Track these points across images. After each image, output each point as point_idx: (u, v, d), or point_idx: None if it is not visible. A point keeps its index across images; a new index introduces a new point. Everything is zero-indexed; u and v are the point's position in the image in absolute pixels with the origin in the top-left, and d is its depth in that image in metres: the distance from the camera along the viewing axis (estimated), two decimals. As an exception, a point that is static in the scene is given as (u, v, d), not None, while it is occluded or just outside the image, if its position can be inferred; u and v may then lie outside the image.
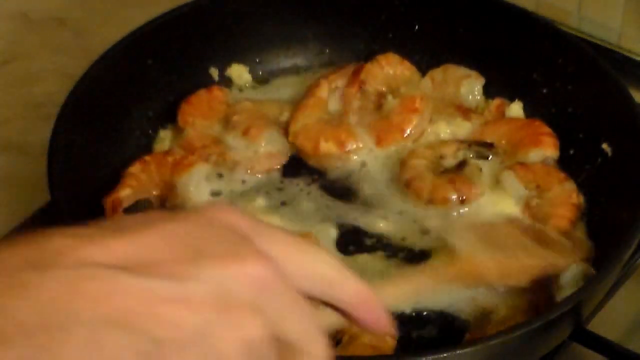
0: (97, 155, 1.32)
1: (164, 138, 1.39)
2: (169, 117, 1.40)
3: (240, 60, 1.47)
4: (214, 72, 1.46)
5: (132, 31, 1.38)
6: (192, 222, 0.71)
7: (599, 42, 1.57)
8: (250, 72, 1.48)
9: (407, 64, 1.45)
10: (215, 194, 1.31)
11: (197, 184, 1.30)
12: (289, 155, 1.37)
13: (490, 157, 1.31)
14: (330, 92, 1.41)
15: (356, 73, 1.43)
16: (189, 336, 0.66)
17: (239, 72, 1.48)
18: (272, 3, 1.47)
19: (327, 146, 1.35)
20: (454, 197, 1.28)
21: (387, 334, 0.85)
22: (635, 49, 1.56)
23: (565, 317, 1.11)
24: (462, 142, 1.34)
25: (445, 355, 1.04)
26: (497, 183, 1.31)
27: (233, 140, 1.35)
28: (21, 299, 0.64)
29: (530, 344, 1.11)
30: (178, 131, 1.38)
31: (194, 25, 1.43)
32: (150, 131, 1.39)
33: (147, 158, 1.32)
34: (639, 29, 1.55)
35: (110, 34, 1.41)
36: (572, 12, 1.59)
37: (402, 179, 1.31)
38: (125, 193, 1.27)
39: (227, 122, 1.37)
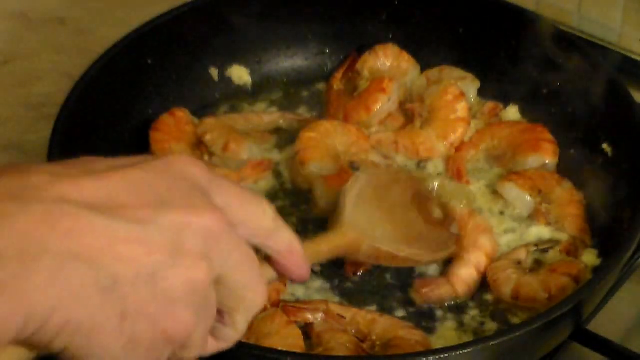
0: (96, 154, 1.31)
1: None
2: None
3: (241, 60, 1.47)
4: (214, 72, 1.46)
5: (132, 31, 1.38)
6: (158, 172, 0.78)
7: (599, 42, 1.57)
8: (251, 72, 1.48)
9: (406, 55, 1.45)
10: None
11: None
12: (273, 160, 1.37)
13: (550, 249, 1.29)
14: None
15: (351, 62, 1.46)
16: (143, 273, 0.73)
17: (240, 74, 1.48)
18: (272, 3, 1.47)
19: None
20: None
21: (303, 281, 0.98)
22: (635, 49, 1.56)
23: (565, 317, 1.11)
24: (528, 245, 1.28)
25: (445, 355, 1.04)
26: (495, 194, 1.32)
27: (214, 158, 1.36)
28: None
29: (531, 344, 1.11)
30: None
31: (194, 25, 1.43)
32: (149, 130, 1.39)
33: None
34: (639, 29, 1.54)
35: (110, 34, 1.41)
36: (572, 12, 1.59)
37: (505, 293, 1.23)
38: None
39: (198, 142, 1.37)
